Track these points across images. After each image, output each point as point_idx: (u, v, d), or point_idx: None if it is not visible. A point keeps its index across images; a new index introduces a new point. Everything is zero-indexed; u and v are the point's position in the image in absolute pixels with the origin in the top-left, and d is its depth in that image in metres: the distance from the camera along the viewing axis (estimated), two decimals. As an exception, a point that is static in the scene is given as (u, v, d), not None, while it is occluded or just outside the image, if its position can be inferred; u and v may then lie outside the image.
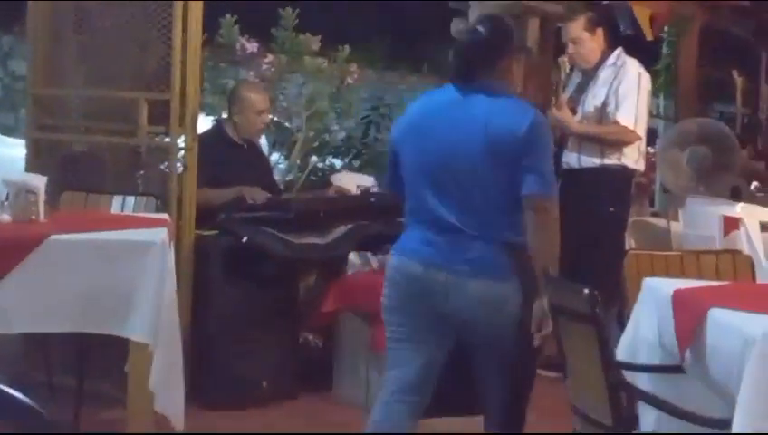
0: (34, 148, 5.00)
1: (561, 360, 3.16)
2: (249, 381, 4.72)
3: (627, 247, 5.31)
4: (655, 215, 7.18)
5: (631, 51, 5.39)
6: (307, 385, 4.90)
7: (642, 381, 3.12)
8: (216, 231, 4.79)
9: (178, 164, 4.69)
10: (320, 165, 7.18)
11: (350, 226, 5.04)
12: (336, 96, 6.10)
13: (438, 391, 3.45)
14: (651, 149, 6.86)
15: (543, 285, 3.15)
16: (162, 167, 4.85)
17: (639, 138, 5.15)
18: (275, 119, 6.04)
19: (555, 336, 3.16)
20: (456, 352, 3.41)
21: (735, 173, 6.43)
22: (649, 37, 7.78)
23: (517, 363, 3.28)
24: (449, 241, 3.23)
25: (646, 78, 5.24)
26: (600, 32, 5.25)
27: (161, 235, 3.49)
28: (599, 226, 5.11)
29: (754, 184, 7.22)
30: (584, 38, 5.22)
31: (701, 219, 5.79)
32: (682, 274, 3.79)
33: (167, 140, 4.74)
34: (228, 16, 5.80)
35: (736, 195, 6.29)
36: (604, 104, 5.14)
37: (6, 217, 3.58)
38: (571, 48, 5.27)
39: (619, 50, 5.28)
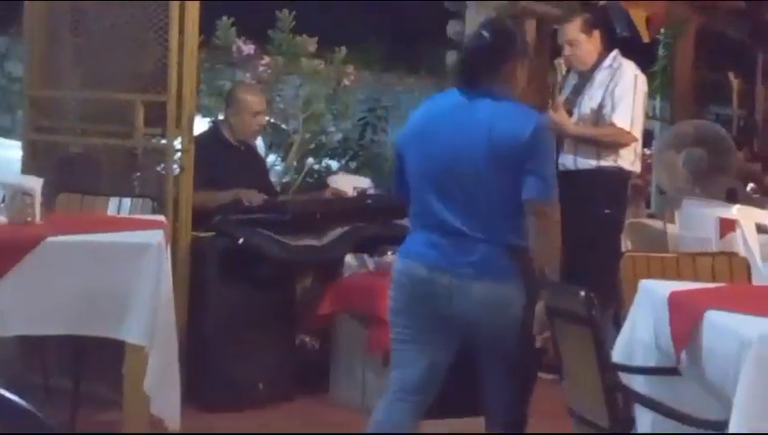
0: (31, 149, 5.00)
1: (558, 362, 3.16)
2: (246, 383, 4.71)
3: (623, 249, 5.31)
4: (651, 217, 7.18)
5: (627, 53, 5.39)
6: (304, 387, 4.90)
7: (638, 383, 3.12)
8: (213, 233, 4.79)
9: (175, 166, 4.69)
10: (316, 167, 7.19)
11: (346, 228, 5.05)
12: (333, 98, 6.10)
13: (439, 392, 3.47)
14: (647, 151, 6.86)
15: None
16: (158, 169, 4.85)
17: (635, 140, 5.15)
18: (272, 120, 6.04)
19: (552, 338, 3.17)
20: (457, 354, 3.43)
21: (731, 175, 6.44)
22: (645, 39, 7.78)
23: (520, 365, 3.30)
24: (453, 244, 3.26)
25: (642, 80, 5.24)
26: (596, 34, 5.25)
27: (157, 237, 3.48)
28: (595, 227, 5.11)
29: (750, 186, 7.22)
30: (580, 40, 5.22)
31: (697, 221, 5.79)
32: (678, 276, 3.79)
33: (163, 141, 4.74)
34: (225, 18, 5.80)
35: (732, 197, 6.30)
36: (600, 106, 5.14)
37: (2, 219, 3.58)
38: (567, 50, 5.27)
39: (615, 52, 5.28)
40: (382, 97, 9.49)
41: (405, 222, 5.44)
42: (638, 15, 7.62)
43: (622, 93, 5.11)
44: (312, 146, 6.54)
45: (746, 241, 5.33)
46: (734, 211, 5.58)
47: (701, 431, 2.73)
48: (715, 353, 2.64)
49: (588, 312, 2.79)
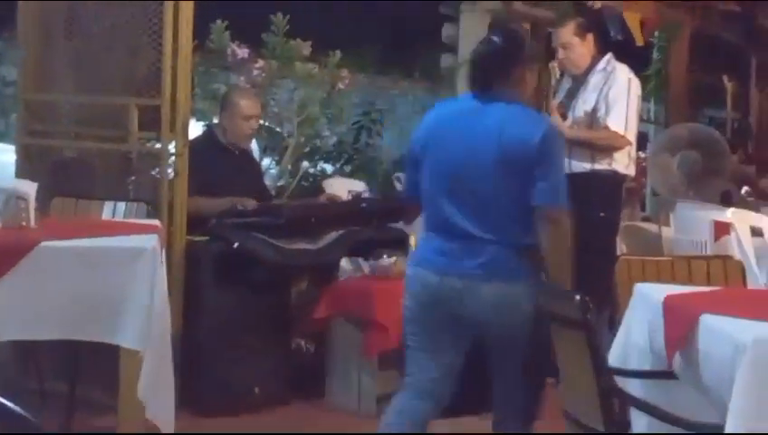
0: (25, 153, 4.99)
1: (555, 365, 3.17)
2: (241, 387, 4.71)
3: (618, 252, 5.31)
4: (646, 220, 7.20)
5: (621, 56, 5.40)
6: (299, 391, 4.90)
7: (633, 387, 3.12)
8: (208, 237, 4.79)
9: (169, 170, 4.69)
10: (311, 170, 7.18)
11: (341, 231, 5.05)
12: (327, 101, 6.10)
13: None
14: (642, 154, 6.87)
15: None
16: (153, 173, 4.84)
17: (630, 143, 5.16)
18: (266, 124, 6.04)
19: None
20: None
21: (726, 178, 6.46)
22: (640, 42, 7.80)
23: (531, 364, 3.32)
24: (462, 247, 3.30)
25: (635, 83, 5.25)
26: (590, 37, 5.26)
27: (152, 241, 3.48)
28: (590, 231, 5.08)
29: (745, 189, 7.23)
30: (574, 43, 5.23)
31: (692, 224, 5.80)
32: (673, 279, 3.79)
33: (157, 145, 4.74)
34: (219, 22, 5.80)
35: (727, 200, 6.32)
36: (594, 109, 5.15)
37: (-4, 224, 3.57)
38: (561, 53, 5.27)
39: (608, 55, 5.29)
40: (377, 100, 9.50)
41: (400, 225, 5.47)
42: (633, 18, 7.65)
43: (616, 97, 5.11)
44: (307, 149, 6.54)
45: (741, 244, 5.34)
46: (729, 214, 5.58)
47: (696, 435, 2.73)
48: (711, 357, 2.64)
49: (583, 316, 2.79)
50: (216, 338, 4.68)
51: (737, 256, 4.86)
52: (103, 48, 4.89)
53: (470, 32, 7.07)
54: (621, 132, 5.09)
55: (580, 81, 5.26)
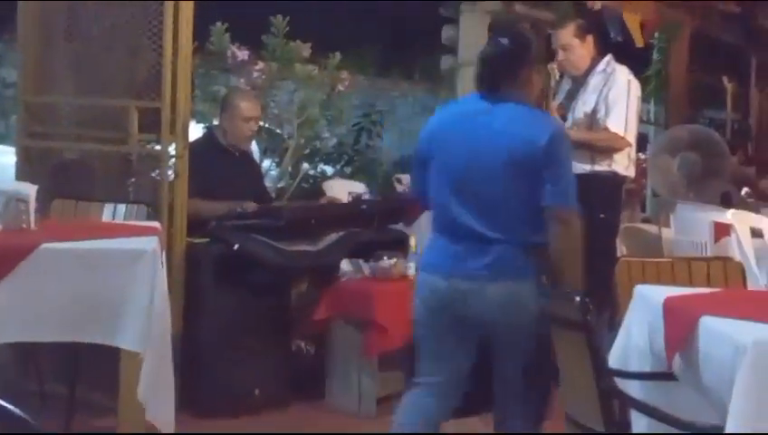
0: (25, 155, 4.98)
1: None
2: (241, 389, 4.71)
3: (618, 254, 5.31)
4: (646, 221, 7.20)
5: (621, 57, 5.40)
6: (299, 393, 4.90)
7: (634, 388, 3.12)
8: (208, 239, 4.79)
9: (169, 172, 4.68)
10: (311, 172, 7.19)
11: (341, 233, 5.05)
12: (327, 103, 6.11)
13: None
14: (642, 155, 6.88)
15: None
16: (153, 174, 4.84)
17: (629, 144, 5.16)
18: (266, 126, 6.04)
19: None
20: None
21: (726, 179, 6.46)
22: (639, 44, 7.81)
23: (538, 363, 3.33)
24: (470, 248, 3.32)
25: (635, 85, 5.25)
26: (589, 38, 5.25)
27: (152, 243, 3.48)
28: (589, 232, 5.10)
29: (745, 190, 7.24)
30: (574, 45, 5.22)
31: (692, 226, 5.80)
32: (673, 280, 3.79)
33: (157, 147, 4.73)
34: (219, 24, 5.80)
35: (727, 201, 6.32)
36: (594, 111, 5.14)
37: (-3, 226, 3.57)
38: (560, 55, 5.27)
39: (608, 57, 5.29)
40: (377, 102, 9.51)
41: (400, 227, 5.48)
42: (632, 20, 7.66)
43: (616, 98, 5.11)
44: (307, 151, 6.54)
45: (741, 245, 5.34)
46: (729, 215, 5.59)
47: (697, 437, 2.73)
48: (711, 359, 2.64)
49: (583, 317, 2.79)
50: (217, 340, 4.68)
51: (737, 257, 4.86)
52: (103, 50, 4.89)
53: (470, 33, 7.08)
54: (621, 134, 5.09)
55: (579, 82, 5.26)
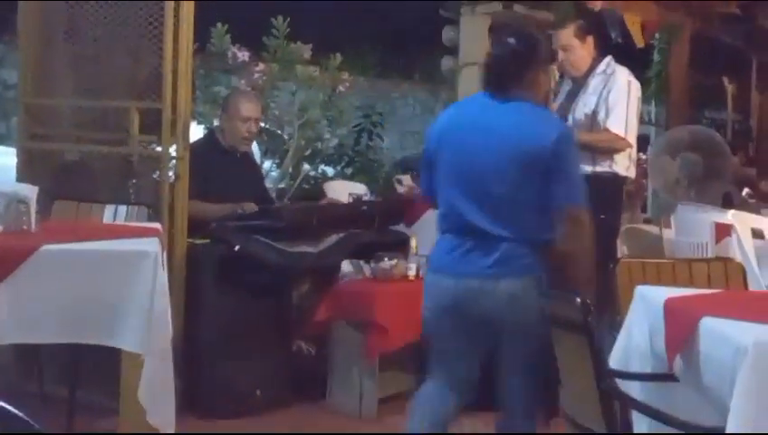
0: (26, 157, 4.99)
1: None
2: (243, 390, 4.71)
3: (619, 255, 5.31)
4: (647, 222, 7.20)
5: (622, 58, 5.40)
6: (300, 394, 4.90)
7: (635, 390, 3.12)
8: (209, 240, 4.79)
9: (170, 173, 4.68)
10: (312, 173, 7.18)
11: (342, 234, 5.05)
12: (328, 104, 6.12)
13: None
14: (643, 156, 6.88)
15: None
16: (154, 176, 4.84)
17: (630, 145, 5.16)
18: (267, 127, 6.04)
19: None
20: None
21: (727, 180, 6.46)
22: (640, 45, 7.81)
23: (543, 360, 3.34)
24: (477, 246, 3.34)
25: (635, 86, 5.25)
26: (590, 39, 5.25)
27: (153, 244, 3.48)
28: (590, 233, 5.11)
29: (746, 190, 7.24)
30: (574, 46, 5.22)
31: (693, 226, 5.80)
32: (674, 281, 3.80)
33: (158, 148, 4.73)
34: (220, 25, 5.81)
35: (728, 201, 6.32)
36: (594, 112, 5.14)
37: (-2, 228, 3.57)
38: (561, 55, 5.27)
39: (608, 58, 5.29)
40: (377, 103, 9.52)
41: (400, 228, 5.48)
42: (633, 21, 7.65)
43: (616, 99, 5.11)
44: (308, 152, 6.54)
45: (742, 246, 5.34)
46: (730, 216, 5.58)
47: (697, 438, 2.73)
48: (712, 360, 2.64)
49: (584, 318, 2.79)
50: (217, 341, 4.69)
51: (738, 258, 4.86)
52: (104, 51, 4.89)
53: (470, 34, 7.09)
54: (622, 135, 5.09)
55: (580, 83, 5.26)
